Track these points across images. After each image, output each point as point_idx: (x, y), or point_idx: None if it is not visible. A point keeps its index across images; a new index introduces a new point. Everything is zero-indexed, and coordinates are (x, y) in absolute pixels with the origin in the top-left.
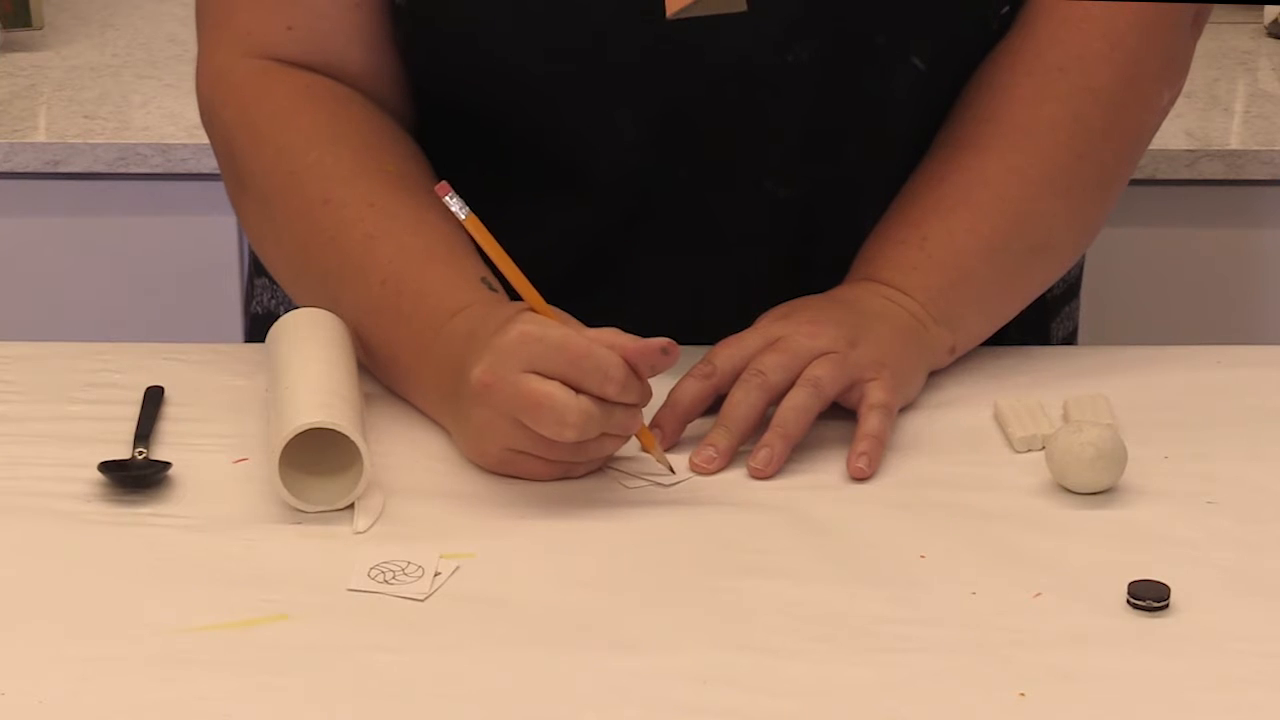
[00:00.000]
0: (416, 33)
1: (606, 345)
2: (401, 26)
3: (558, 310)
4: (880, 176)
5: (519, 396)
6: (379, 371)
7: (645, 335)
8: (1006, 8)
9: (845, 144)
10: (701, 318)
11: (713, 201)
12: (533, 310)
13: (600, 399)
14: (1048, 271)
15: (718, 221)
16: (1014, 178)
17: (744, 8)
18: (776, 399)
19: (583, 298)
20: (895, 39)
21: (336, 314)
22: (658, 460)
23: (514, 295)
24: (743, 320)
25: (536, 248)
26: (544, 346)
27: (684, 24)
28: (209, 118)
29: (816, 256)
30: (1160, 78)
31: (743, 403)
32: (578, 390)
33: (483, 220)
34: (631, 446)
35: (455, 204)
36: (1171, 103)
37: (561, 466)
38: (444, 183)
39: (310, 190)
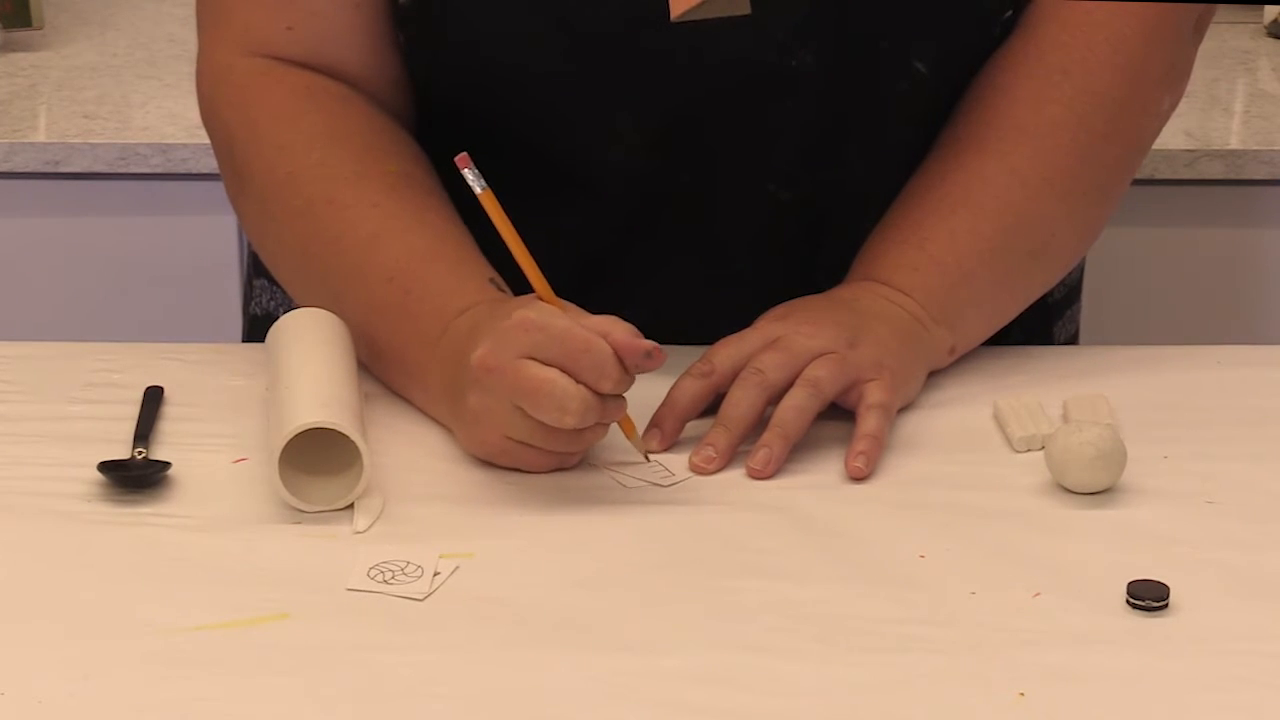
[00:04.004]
0: (419, 34)
1: (601, 334)
2: (403, 28)
3: (561, 300)
4: (883, 179)
5: (519, 381)
6: (382, 370)
7: (646, 336)
8: (1009, 11)
9: (848, 147)
10: (703, 319)
11: (715, 204)
12: (539, 300)
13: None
14: (1048, 273)
15: (720, 224)
16: (1015, 179)
17: (748, 10)
18: (775, 398)
19: (584, 299)
20: (898, 42)
21: (339, 313)
22: (636, 447)
23: (522, 284)
24: (744, 322)
25: (538, 249)
26: (545, 335)
27: (688, 27)
28: (209, 116)
29: (819, 259)
30: (1162, 83)
31: (742, 402)
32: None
33: None
34: (632, 449)
35: (472, 176)
36: (1173, 108)
37: (557, 457)
38: (464, 154)
39: (312, 191)
